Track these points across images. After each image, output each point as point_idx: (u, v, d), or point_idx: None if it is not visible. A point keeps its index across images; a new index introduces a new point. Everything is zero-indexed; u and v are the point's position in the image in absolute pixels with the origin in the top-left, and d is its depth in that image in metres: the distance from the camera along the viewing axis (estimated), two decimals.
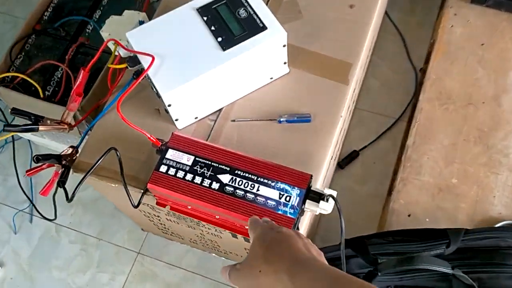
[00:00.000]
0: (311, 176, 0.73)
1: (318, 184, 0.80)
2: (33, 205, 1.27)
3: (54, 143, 1.28)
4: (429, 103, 1.18)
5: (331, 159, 0.88)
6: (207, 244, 1.08)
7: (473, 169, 1.09)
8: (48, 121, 0.92)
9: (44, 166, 0.87)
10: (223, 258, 1.20)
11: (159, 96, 0.79)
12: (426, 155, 1.11)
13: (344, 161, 1.30)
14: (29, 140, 1.40)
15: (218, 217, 0.76)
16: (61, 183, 0.81)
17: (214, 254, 1.18)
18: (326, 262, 0.48)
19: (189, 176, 0.74)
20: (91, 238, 1.28)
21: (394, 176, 1.25)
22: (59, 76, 1.16)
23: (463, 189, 1.07)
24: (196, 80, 0.77)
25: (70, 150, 0.91)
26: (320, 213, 0.74)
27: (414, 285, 0.85)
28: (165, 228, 1.07)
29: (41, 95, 1.13)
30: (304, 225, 0.79)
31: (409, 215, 1.06)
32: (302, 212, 0.72)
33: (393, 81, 1.42)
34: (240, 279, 0.50)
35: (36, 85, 1.13)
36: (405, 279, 0.84)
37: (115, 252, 1.25)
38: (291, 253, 0.47)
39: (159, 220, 1.00)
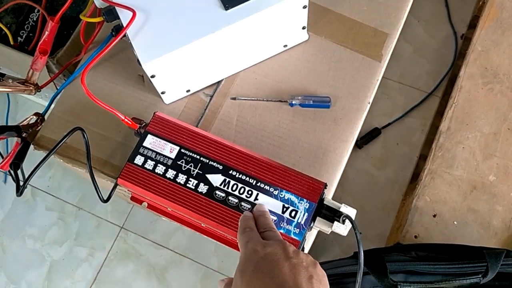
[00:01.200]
0: (326, 185, 0.57)
1: (333, 190, 0.64)
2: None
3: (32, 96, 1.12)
4: (471, 80, 0.99)
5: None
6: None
7: None
8: (10, 81, 0.77)
9: (2, 137, 0.72)
10: (215, 241, 1.07)
11: (140, 64, 0.61)
12: (462, 145, 0.94)
13: (363, 140, 1.12)
14: None
15: (204, 225, 0.61)
16: (14, 166, 0.66)
17: (205, 236, 1.05)
18: None
19: (170, 173, 0.59)
20: (70, 206, 1.14)
21: (421, 164, 1.08)
22: (34, 19, 0.98)
23: (501, 189, 0.91)
24: (188, 47, 0.59)
25: (34, 118, 0.75)
26: None
27: None
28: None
29: (12, 42, 0.95)
30: (309, 244, 0.63)
31: (434, 215, 0.90)
32: (309, 229, 0.57)
33: (428, 48, 1.21)
34: None
35: (5, 29, 0.95)
36: None
37: (96, 224, 1.12)
38: None
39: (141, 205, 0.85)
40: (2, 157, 1.11)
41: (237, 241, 0.51)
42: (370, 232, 1.06)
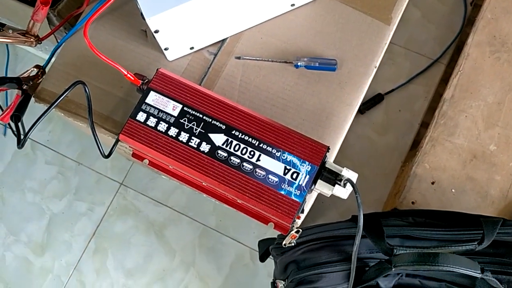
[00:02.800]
0: (328, 148, 0.57)
1: (335, 154, 0.64)
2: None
3: (31, 48, 1.10)
4: (479, 48, 0.97)
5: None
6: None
7: None
8: (10, 31, 0.75)
9: (2, 88, 0.71)
10: (214, 201, 1.07)
11: (144, 19, 0.60)
12: (465, 113, 0.94)
13: (366, 105, 1.11)
14: None
15: (205, 184, 0.61)
16: (15, 118, 0.65)
17: (205, 195, 1.05)
18: None
19: (172, 131, 0.58)
20: (70, 161, 1.14)
21: (422, 131, 1.08)
22: None
23: (501, 159, 0.91)
24: (193, 2, 0.58)
25: (35, 70, 0.74)
26: None
27: (430, 276, 0.72)
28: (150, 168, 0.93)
29: None
30: (309, 206, 0.64)
31: (432, 183, 0.91)
32: (310, 192, 0.57)
33: (437, 13, 1.18)
34: None
35: None
36: (421, 269, 0.71)
37: (96, 180, 1.13)
38: None
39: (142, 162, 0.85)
40: (2, 110, 1.10)
41: None
42: (368, 197, 1.07)
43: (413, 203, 0.91)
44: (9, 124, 1.11)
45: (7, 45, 1.21)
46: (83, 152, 1.14)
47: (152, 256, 1.09)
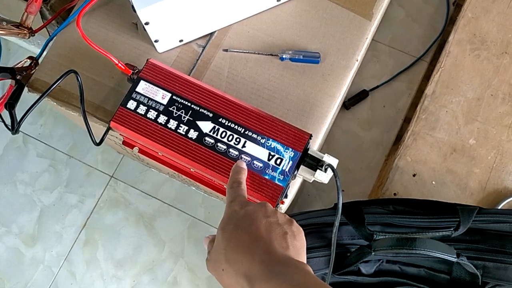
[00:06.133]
0: (311, 136, 0.60)
1: (318, 143, 0.67)
2: None
3: (24, 42, 1.12)
4: (459, 46, 1.01)
5: (337, 107, 0.74)
6: (186, 181, 0.97)
7: (495, 130, 0.95)
8: (4, 23, 0.77)
9: None
10: (203, 193, 1.10)
11: (134, 11, 0.62)
12: (445, 108, 0.97)
13: (351, 101, 1.14)
14: None
15: (193, 170, 0.64)
16: (9, 106, 0.67)
17: (194, 188, 1.08)
18: (293, 252, 0.45)
19: (162, 119, 0.61)
20: (61, 154, 1.16)
21: (405, 126, 1.11)
22: None
23: (480, 153, 0.94)
24: None
25: (28, 62, 0.76)
26: None
27: (409, 262, 0.75)
28: (139, 159, 0.95)
29: None
30: (293, 192, 0.66)
31: (414, 175, 0.94)
32: (293, 177, 0.60)
33: (420, 13, 1.22)
34: (211, 272, 0.50)
35: None
36: (400, 255, 0.74)
37: (86, 173, 1.14)
38: (250, 250, 0.44)
39: (132, 152, 0.88)
40: None
41: (226, 192, 0.54)
42: (353, 189, 1.10)
43: (395, 194, 0.94)
44: (0, 116, 1.13)
45: None
46: (74, 145, 1.16)
47: (141, 247, 1.11)
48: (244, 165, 0.57)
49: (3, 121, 0.78)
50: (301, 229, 0.49)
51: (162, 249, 1.11)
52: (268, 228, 0.46)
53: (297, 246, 0.46)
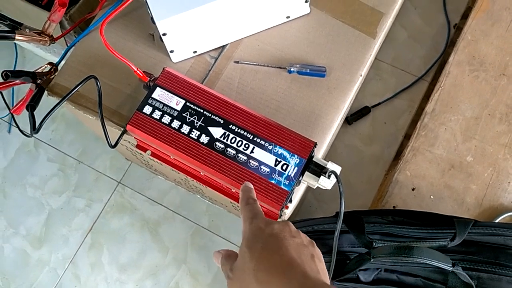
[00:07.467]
0: (315, 144, 0.63)
1: (322, 152, 0.70)
2: (12, 114, 1.17)
3: (40, 50, 1.16)
4: (459, 67, 1.05)
5: (341, 120, 0.78)
6: (192, 188, 1.00)
7: (492, 148, 0.98)
8: (27, 30, 0.81)
9: (17, 82, 0.77)
10: (207, 201, 1.13)
11: (154, 22, 0.67)
12: (444, 126, 1.01)
13: (353, 117, 1.18)
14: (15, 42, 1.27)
15: (203, 173, 0.67)
16: (31, 107, 0.71)
17: (198, 196, 1.11)
18: (323, 276, 0.44)
19: (175, 123, 0.64)
20: (71, 159, 1.20)
21: (405, 143, 1.15)
22: None
23: (477, 169, 0.98)
24: (200, 9, 0.64)
25: (48, 67, 0.80)
26: None
27: (407, 271, 0.78)
28: (148, 165, 0.99)
29: None
30: (297, 198, 0.70)
31: (413, 189, 0.97)
32: (298, 183, 0.63)
33: (422, 34, 1.27)
34: None
35: None
36: (398, 264, 0.76)
37: (95, 178, 1.18)
38: (286, 273, 0.43)
39: (142, 157, 0.91)
40: (8, 107, 1.16)
41: (240, 211, 0.51)
42: (353, 202, 1.13)
43: (394, 207, 0.97)
44: (14, 121, 1.16)
45: (16, 45, 1.27)
46: (84, 151, 1.19)
47: (145, 252, 1.13)
48: (251, 185, 0.55)
49: (17, 126, 0.82)
50: (320, 252, 0.48)
51: (165, 255, 1.13)
52: (297, 250, 0.45)
53: (324, 269, 0.45)
